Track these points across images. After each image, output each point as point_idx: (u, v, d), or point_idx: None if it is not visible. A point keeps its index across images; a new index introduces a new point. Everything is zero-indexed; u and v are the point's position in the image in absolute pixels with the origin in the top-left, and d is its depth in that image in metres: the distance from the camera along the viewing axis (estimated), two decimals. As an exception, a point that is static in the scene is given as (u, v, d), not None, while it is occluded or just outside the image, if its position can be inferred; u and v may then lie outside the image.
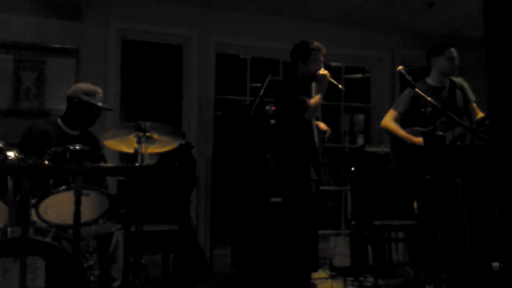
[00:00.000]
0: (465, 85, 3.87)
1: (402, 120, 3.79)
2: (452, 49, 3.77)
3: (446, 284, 3.63)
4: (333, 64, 6.07)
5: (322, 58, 3.66)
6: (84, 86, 3.43)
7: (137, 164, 2.77)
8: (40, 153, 2.73)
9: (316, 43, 3.70)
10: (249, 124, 4.00)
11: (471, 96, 3.83)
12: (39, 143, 3.11)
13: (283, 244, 3.53)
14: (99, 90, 3.40)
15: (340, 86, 3.59)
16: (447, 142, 3.46)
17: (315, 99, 3.57)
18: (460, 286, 3.55)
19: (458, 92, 3.82)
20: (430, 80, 3.84)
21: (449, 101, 3.72)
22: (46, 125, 3.36)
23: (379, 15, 5.23)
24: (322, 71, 3.58)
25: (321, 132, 3.78)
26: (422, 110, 3.69)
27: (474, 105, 3.81)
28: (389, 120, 3.80)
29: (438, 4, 4.83)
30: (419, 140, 3.55)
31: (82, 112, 3.34)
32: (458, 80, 3.88)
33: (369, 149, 4.79)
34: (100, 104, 3.34)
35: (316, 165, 3.61)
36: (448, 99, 3.74)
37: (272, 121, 4.59)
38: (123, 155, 4.30)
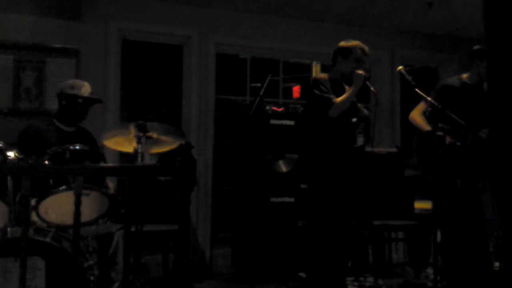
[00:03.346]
0: None
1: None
2: None
3: (446, 283, 3.64)
4: (333, 64, 6.08)
5: (364, 59, 3.57)
6: (70, 81, 3.48)
7: (137, 164, 2.77)
8: (40, 153, 2.73)
9: (359, 43, 3.59)
10: (249, 124, 4.00)
11: None
12: (35, 142, 3.12)
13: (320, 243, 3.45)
14: (85, 83, 3.41)
15: (372, 88, 3.53)
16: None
17: (341, 97, 3.44)
18: (460, 286, 3.56)
19: None
20: (466, 78, 3.75)
21: (483, 103, 3.67)
22: (42, 124, 3.40)
23: (379, 15, 5.23)
24: (360, 71, 3.48)
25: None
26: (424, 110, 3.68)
27: None
28: (416, 113, 3.74)
29: (438, 3, 4.82)
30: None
31: (69, 106, 3.37)
32: None
33: (369, 149, 4.79)
34: (85, 94, 3.34)
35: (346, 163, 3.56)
36: (482, 100, 3.69)
37: (273, 121, 4.60)
38: (123, 155, 4.30)
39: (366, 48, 3.59)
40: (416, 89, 3.40)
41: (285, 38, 5.20)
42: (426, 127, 3.61)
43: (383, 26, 5.55)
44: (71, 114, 3.38)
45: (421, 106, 3.74)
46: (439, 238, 3.74)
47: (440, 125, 3.61)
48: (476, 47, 3.71)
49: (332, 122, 3.43)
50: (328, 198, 3.40)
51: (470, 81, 3.72)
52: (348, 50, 3.56)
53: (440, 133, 3.44)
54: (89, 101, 3.40)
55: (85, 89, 3.38)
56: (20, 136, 3.27)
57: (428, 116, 3.67)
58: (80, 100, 3.34)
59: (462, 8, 4.91)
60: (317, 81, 3.52)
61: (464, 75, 3.77)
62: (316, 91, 3.45)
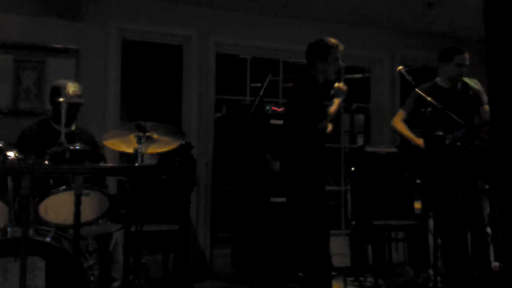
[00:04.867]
0: (479, 87, 3.87)
1: (409, 120, 3.84)
2: (461, 56, 3.75)
3: (445, 283, 3.64)
4: (333, 64, 6.07)
5: (340, 56, 3.52)
6: (55, 83, 3.46)
7: (137, 164, 2.77)
8: (39, 153, 2.73)
9: (333, 40, 3.53)
10: (249, 124, 4.00)
11: (484, 98, 3.82)
12: (33, 145, 3.11)
13: (297, 245, 3.46)
14: (67, 85, 3.34)
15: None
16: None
17: (333, 109, 3.43)
18: (460, 286, 3.56)
19: (471, 94, 3.83)
20: (440, 81, 3.86)
21: (461, 103, 3.71)
22: (38, 125, 3.41)
23: (379, 15, 5.23)
24: (341, 86, 3.48)
25: None
26: (422, 110, 3.70)
27: (486, 107, 3.77)
28: (397, 120, 3.89)
29: (438, 4, 4.82)
30: (420, 141, 3.56)
31: (55, 110, 3.38)
32: (472, 82, 3.89)
33: (369, 149, 4.79)
34: (61, 99, 3.29)
35: (325, 167, 3.57)
36: (459, 101, 3.73)
37: (273, 121, 4.59)
38: (123, 155, 4.30)
39: (341, 45, 3.54)
40: (416, 89, 3.40)
41: (285, 38, 5.19)
42: (407, 132, 3.75)
43: (383, 26, 5.54)
44: (59, 117, 3.38)
45: (400, 113, 3.88)
46: (431, 241, 3.76)
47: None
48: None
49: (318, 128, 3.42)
50: (316, 200, 3.41)
51: (443, 84, 3.80)
52: (327, 52, 3.45)
53: (440, 133, 3.45)
54: (73, 105, 3.36)
55: (66, 92, 3.28)
56: (19, 140, 3.28)
57: (428, 115, 3.68)
58: (60, 105, 3.32)
59: (462, 8, 4.91)
60: (317, 83, 3.45)
61: (438, 79, 3.88)
62: (314, 98, 3.40)
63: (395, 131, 3.97)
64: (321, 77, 3.49)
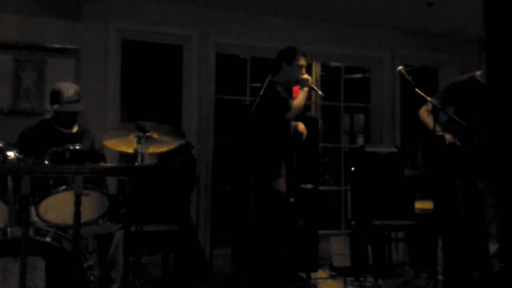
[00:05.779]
0: None
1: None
2: None
3: (445, 283, 3.64)
4: (333, 64, 6.07)
5: (304, 63, 3.79)
6: (53, 87, 3.38)
7: (137, 164, 2.77)
8: (40, 153, 2.73)
9: (298, 48, 3.80)
10: (249, 124, 4.00)
11: None
12: (34, 145, 3.10)
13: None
14: (65, 89, 3.30)
15: (319, 92, 3.72)
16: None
17: (297, 100, 3.64)
18: (460, 286, 3.56)
19: None
20: (479, 77, 3.71)
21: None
22: (40, 125, 3.39)
23: (379, 15, 5.23)
24: (305, 76, 3.72)
25: (298, 133, 3.84)
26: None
27: None
28: (423, 110, 3.76)
29: (438, 3, 4.83)
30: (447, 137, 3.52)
31: (56, 113, 3.35)
32: None
33: (369, 149, 4.79)
34: (57, 106, 3.27)
35: (289, 164, 3.68)
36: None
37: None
38: (123, 155, 4.30)
39: (305, 54, 3.79)
40: (416, 89, 3.39)
41: (285, 38, 5.18)
42: (431, 124, 3.64)
43: (383, 26, 5.55)
44: (60, 121, 3.38)
45: (430, 103, 3.74)
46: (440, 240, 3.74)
47: (445, 123, 3.61)
48: None
49: (284, 121, 3.63)
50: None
51: (481, 79, 3.70)
52: (292, 55, 3.71)
53: (440, 133, 3.44)
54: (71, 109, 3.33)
55: (65, 95, 3.28)
56: (20, 138, 3.28)
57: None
58: (62, 112, 3.32)
59: (462, 8, 4.91)
60: (274, 82, 3.62)
61: (478, 73, 3.75)
62: (277, 93, 3.59)
63: (420, 122, 3.79)
64: (284, 81, 3.72)
